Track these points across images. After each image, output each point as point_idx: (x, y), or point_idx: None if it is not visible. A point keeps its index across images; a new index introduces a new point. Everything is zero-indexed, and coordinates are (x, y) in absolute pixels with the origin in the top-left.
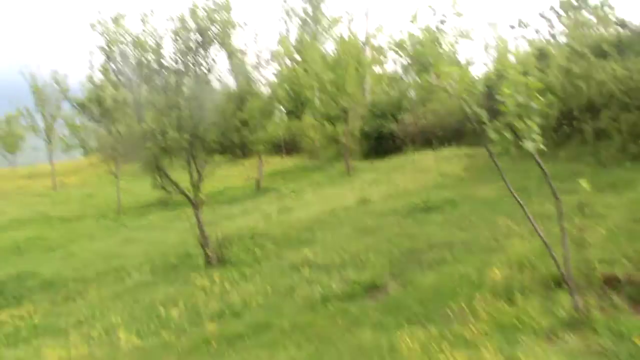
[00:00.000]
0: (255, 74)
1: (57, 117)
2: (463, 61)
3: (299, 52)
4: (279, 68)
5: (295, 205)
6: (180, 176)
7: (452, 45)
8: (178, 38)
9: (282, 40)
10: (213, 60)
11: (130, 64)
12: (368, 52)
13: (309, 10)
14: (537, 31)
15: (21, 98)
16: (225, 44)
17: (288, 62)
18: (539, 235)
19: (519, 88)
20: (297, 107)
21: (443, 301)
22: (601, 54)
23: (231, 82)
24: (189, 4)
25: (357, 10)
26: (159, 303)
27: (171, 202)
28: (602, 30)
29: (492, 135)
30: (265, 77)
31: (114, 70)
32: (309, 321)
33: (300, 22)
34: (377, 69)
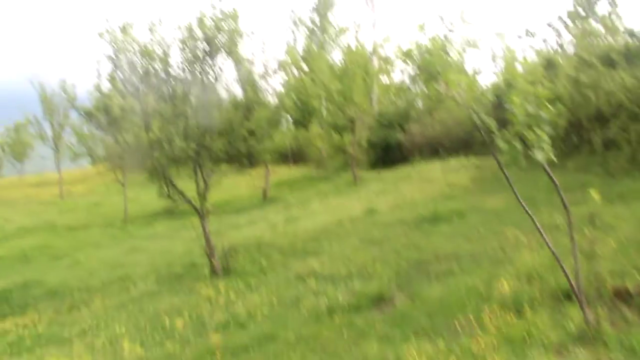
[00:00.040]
0: (262, 83)
1: (65, 126)
2: (470, 71)
3: (306, 61)
4: (286, 78)
5: (302, 215)
6: (187, 185)
7: (460, 55)
8: (185, 47)
9: (290, 50)
10: (220, 69)
11: (137, 73)
12: (375, 62)
13: (317, 20)
14: (544, 40)
15: (30, 106)
16: (232, 53)
17: (295, 71)
18: (549, 247)
19: (529, 97)
20: (304, 116)
21: (450, 314)
22: (610, 63)
23: (238, 92)
24: (197, 13)
25: (364, 20)
26: (164, 313)
27: (177, 212)
28: (610, 39)
29: (502, 145)
30: (273, 86)
31: (121, 79)
32: (314, 333)
33: (308, 32)
34: (384, 79)
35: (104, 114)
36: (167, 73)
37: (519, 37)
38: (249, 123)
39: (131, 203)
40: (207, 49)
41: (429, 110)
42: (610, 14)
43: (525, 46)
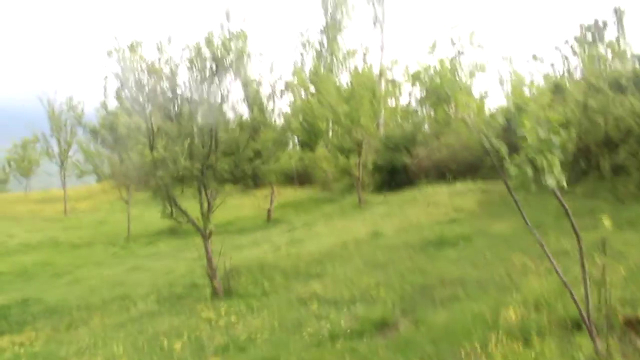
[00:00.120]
0: (269, 104)
1: (72, 143)
2: (478, 94)
3: (313, 83)
4: (293, 99)
5: (306, 237)
6: (191, 205)
7: (469, 78)
8: (193, 66)
9: (297, 72)
10: (227, 89)
11: (144, 91)
12: (383, 85)
13: (324, 42)
14: (552, 65)
15: (39, 124)
16: (240, 73)
17: (302, 93)
18: (558, 274)
19: (540, 121)
20: (310, 138)
21: (456, 341)
22: (618, 88)
23: (245, 112)
24: (205, 32)
25: (372, 42)
26: (163, 334)
27: (181, 231)
28: (618, 64)
29: (512, 170)
30: (280, 107)
31: (127, 97)
32: (316, 359)
33: (316, 54)
34: (391, 102)
35: (109, 131)
36: (174, 92)
37: (527, 61)
38: (255, 144)
39: (135, 221)
40: (215, 68)
41: (435, 133)
42: (618, 40)
43: (533, 70)
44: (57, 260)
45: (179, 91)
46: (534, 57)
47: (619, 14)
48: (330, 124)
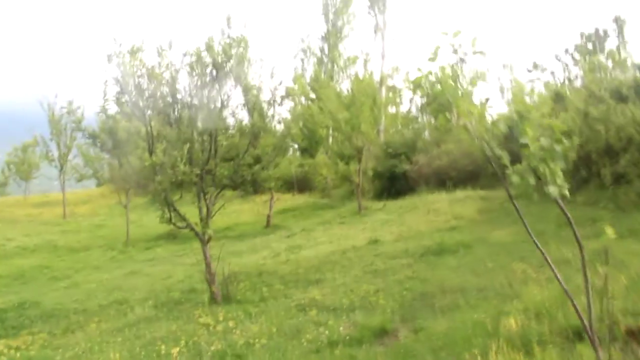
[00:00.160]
0: (269, 111)
1: (72, 147)
2: (478, 102)
3: (314, 90)
4: (293, 105)
5: (305, 243)
6: (190, 210)
7: (471, 85)
8: (193, 72)
9: (298, 78)
10: (227, 95)
11: (144, 96)
12: (383, 92)
13: (325, 49)
14: (552, 73)
15: (38, 127)
16: (240, 79)
17: (303, 100)
18: (560, 283)
19: (543, 130)
20: (310, 145)
21: (456, 350)
22: (619, 97)
23: (245, 118)
24: (206, 38)
25: (373, 50)
26: (160, 340)
27: (180, 236)
28: (618, 73)
29: (514, 178)
30: (280, 113)
31: (127, 102)
32: None
33: (316, 61)
34: (391, 109)
35: (109, 136)
36: (174, 97)
37: (528, 69)
38: (255, 150)
39: (133, 226)
40: (215, 74)
41: (436, 140)
42: (618, 49)
43: (533, 78)
44: (55, 264)
45: (179, 96)
46: (535, 66)
47: (619, 23)
48: (331, 131)
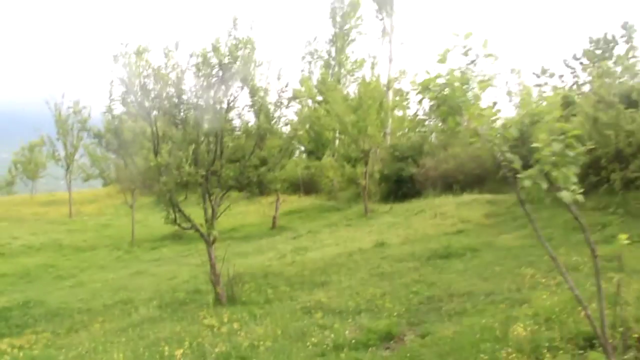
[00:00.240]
0: (276, 112)
1: (78, 147)
2: (487, 105)
3: (321, 93)
4: (300, 107)
5: (311, 245)
6: (195, 211)
7: (481, 88)
8: (200, 73)
9: (304, 81)
10: (234, 96)
11: (150, 97)
12: (390, 95)
13: (333, 52)
14: (560, 77)
15: (45, 127)
16: (246, 80)
17: (310, 102)
18: (572, 290)
19: (556, 135)
20: (317, 147)
21: (463, 355)
22: (630, 102)
23: (251, 119)
24: (212, 39)
25: (380, 54)
26: (164, 341)
27: (185, 236)
28: (626, 78)
29: (526, 183)
30: (286, 115)
31: (133, 102)
32: None
33: (323, 64)
34: (398, 113)
35: (114, 135)
36: (180, 98)
37: (536, 75)
38: (261, 151)
39: (139, 226)
40: (221, 75)
41: (442, 144)
42: (627, 54)
43: (542, 83)
44: (60, 263)
45: (184, 97)
46: (543, 71)
47: (628, 28)
48: (337, 133)
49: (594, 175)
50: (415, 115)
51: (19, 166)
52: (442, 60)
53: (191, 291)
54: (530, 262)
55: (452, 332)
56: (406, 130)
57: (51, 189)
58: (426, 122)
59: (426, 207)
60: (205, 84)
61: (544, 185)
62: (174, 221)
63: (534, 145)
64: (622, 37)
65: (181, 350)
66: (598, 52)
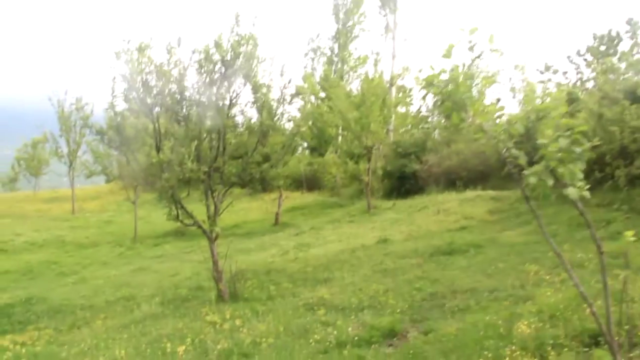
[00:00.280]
0: (278, 109)
1: (81, 144)
2: (491, 101)
3: (324, 89)
4: (302, 104)
5: (314, 242)
6: (198, 207)
7: (485, 84)
8: (202, 69)
9: (307, 77)
10: (236, 93)
11: (152, 93)
12: (393, 92)
13: (336, 48)
14: (564, 73)
15: (49, 124)
16: (249, 77)
17: (313, 99)
18: (577, 287)
19: (562, 131)
20: (320, 143)
21: (467, 354)
22: (634, 98)
23: (254, 116)
24: (214, 35)
25: (384, 50)
26: (166, 337)
27: (188, 233)
28: (631, 75)
29: (532, 179)
30: (289, 112)
31: (135, 99)
32: None
33: (326, 60)
34: (401, 109)
35: (115, 132)
36: (182, 94)
37: (540, 71)
38: (264, 148)
39: (142, 222)
40: (224, 71)
41: (446, 141)
42: (632, 50)
43: (545, 80)
44: (63, 259)
45: (187, 93)
46: (547, 67)
47: (632, 24)
48: (340, 130)
49: (599, 171)
50: (418, 111)
51: (22, 163)
52: (447, 55)
53: (193, 288)
54: (534, 259)
55: (455, 329)
56: (409, 126)
57: (54, 185)
58: (429, 119)
59: (429, 203)
60: (207, 80)
61: (550, 181)
62: (176, 218)
63: (540, 141)
64: (626, 33)
65: (183, 347)
66: (602, 48)
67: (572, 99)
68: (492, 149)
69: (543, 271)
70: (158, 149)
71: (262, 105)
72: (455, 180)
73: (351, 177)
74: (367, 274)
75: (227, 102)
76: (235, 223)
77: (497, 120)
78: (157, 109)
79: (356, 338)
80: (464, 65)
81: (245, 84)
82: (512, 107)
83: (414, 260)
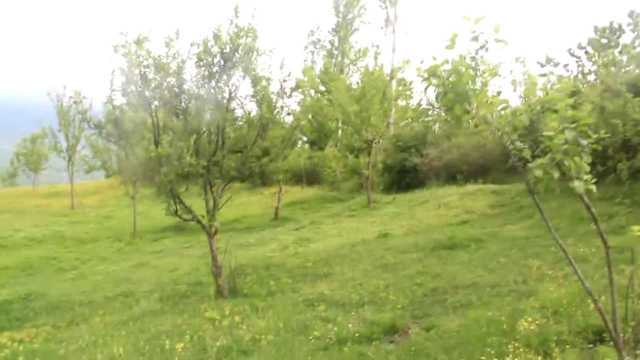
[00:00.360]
0: (278, 102)
1: (80, 138)
2: (493, 93)
3: (324, 82)
4: (302, 97)
5: (314, 236)
6: (197, 202)
7: (490, 75)
8: (201, 62)
9: (307, 70)
10: (235, 86)
11: (150, 87)
12: (394, 85)
13: (336, 41)
14: (565, 66)
15: (49, 119)
16: (248, 70)
17: (312, 92)
18: (582, 282)
19: (567, 123)
20: (320, 137)
21: (470, 350)
22: (637, 92)
23: (253, 109)
24: (213, 28)
25: (384, 43)
26: (165, 334)
27: (187, 228)
28: (633, 67)
29: (537, 172)
30: (289, 105)
31: (133, 92)
32: None
33: (326, 53)
34: (402, 102)
35: (114, 126)
36: (181, 88)
37: (541, 64)
38: (263, 142)
39: (141, 217)
40: (223, 64)
41: (446, 134)
42: (634, 42)
43: (546, 73)
44: (62, 255)
45: (185, 87)
46: (548, 60)
47: (634, 17)
48: (340, 123)
49: (601, 165)
50: (419, 105)
51: (21, 158)
52: (451, 46)
53: (192, 283)
54: (537, 253)
55: (457, 325)
56: (409, 120)
57: (53, 180)
58: (430, 112)
59: (430, 197)
60: (206, 73)
61: (556, 174)
62: (175, 213)
63: (546, 133)
64: (628, 25)
65: (182, 344)
66: (604, 41)
67: (573, 92)
68: (493, 142)
69: (545, 266)
70: (156, 143)
71: (262, 99)
72: (455, 173)
73: (351, 171)
74: (367, 269)
75: (226, 96)
76: (235, 218)
77: (502, 112)
78: (155, 102)
79: (357, 334)
80: (469, 56)
81: (244, 77)
82: (513, 101)
83: (415, 255)
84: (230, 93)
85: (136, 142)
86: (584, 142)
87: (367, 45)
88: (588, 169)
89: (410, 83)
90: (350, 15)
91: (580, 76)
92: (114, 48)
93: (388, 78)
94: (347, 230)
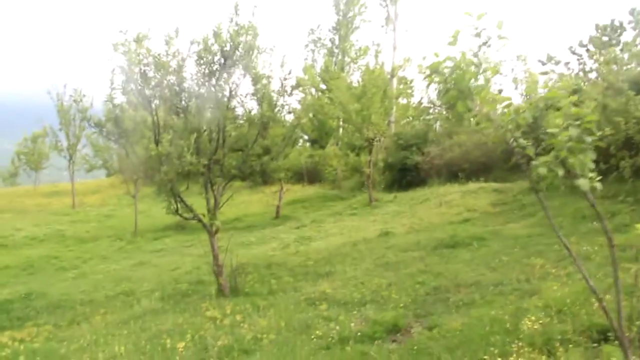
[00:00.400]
0: (279, 101)
1: (81, 137)
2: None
3: (324, 81)
4: (303, 96)
5: (315, 235)
6: (197, 201)
7: (492, 71)
8: (201, 60)
9: (308, 69)
10: (236, 84)
11: (150, 85)
12: (394, 83)
13: (336, 40)
14: (566, 64)
15: (49, 118)
16: (249, 68)
17: (313, 90)
18: (586, 280)
19: (571, 120)
20: (321, 136)
21: (473, 349)
22: (639, 90)
23: (254, 108)
24: (213, 26)
25: (384, 42)
26: (166, 333)
27: (188, 226)
28: (634, 65)
29: (541, 170)
30: (289, 104)
31: (133, 91)
32: None
33: (327, 52)
34: (403, 101)
35: (115, 125)
36: (181, 86)
37: (542, 62)
38: (264, 140)
39: (142, 216)
40: (223, 62)
41: (447, 132)
42: (635, 40)
43: (547, 71)
44: (63, 254)
45: (185, 85)
46: (549, 58)
47: (635, 15)
48: (341, 122)
49: (604, 162)
50: (420, 103)
51: (22, 157)
52: (453, 42)
53: (194, 282)
54: (539, 252)
55: (460, 324)
56: (410, 118)
57: (54, 179)
58: (431, 110)
59: (431, 195)
60: (206, 71)
61: (560, 172)
62: (176, 211)
63: (550, 130)
64: (629, 23)
65: (183, 343)
66: (605, 39)
67: (574, 90)
68: (495, 140)
69: (548, 264)
70: (157, 142)
71: (262, 97)
72: (457, 172)
73: (352, 169)
74: (369, 268)
75: (226, 94)
76: (236, 216)
77: (505, 110)
78: (155, 101)
79: (359, 333)
80: (472, 52)
81: (245, 75)
82: (514, 99)
83: (417, 254)
84: (230, 91)
85: (136, 140)
86: (589, 139)
87: (367, 43)
88: (592, 166)
89: (411, 81)
90: (350, 14)
91: (581, 74)
92: (114, 46)
93: (389, 76)
94: (348, 228)
